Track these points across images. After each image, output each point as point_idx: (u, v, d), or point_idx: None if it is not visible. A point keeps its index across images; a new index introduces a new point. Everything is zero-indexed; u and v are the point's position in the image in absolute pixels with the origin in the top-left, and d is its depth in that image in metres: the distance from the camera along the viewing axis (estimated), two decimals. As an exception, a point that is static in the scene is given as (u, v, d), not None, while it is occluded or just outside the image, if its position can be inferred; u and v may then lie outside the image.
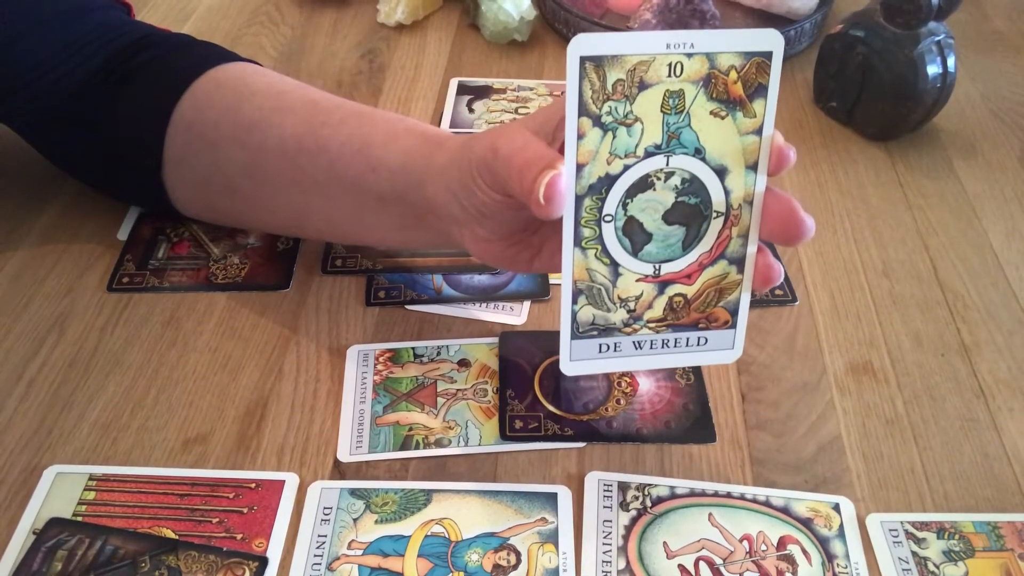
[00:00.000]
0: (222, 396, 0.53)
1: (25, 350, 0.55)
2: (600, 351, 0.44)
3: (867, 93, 0.72)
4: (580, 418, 0.51)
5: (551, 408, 0.52)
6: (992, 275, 0.62)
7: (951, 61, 0.69)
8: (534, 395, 0.52)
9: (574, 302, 0.43)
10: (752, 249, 0.43)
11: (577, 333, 0.44)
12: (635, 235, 0.42)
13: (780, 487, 0.49)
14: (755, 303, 0.59)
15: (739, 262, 0.43)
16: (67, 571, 0.43)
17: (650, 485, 0.48)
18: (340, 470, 0.49)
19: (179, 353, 0.55)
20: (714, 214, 0.42)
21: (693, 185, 0.41)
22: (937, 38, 0.69)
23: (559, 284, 0.59)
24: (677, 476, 0.49)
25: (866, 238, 0.65)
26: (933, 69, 0.69)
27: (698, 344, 0.45)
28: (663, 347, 0.45)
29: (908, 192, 0.69)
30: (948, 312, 0.59)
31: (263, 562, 0.44)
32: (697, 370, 0.54)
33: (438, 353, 0.55)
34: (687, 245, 0.43)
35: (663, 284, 0.43)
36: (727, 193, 0.42)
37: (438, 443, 0.50)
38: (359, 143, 0.51)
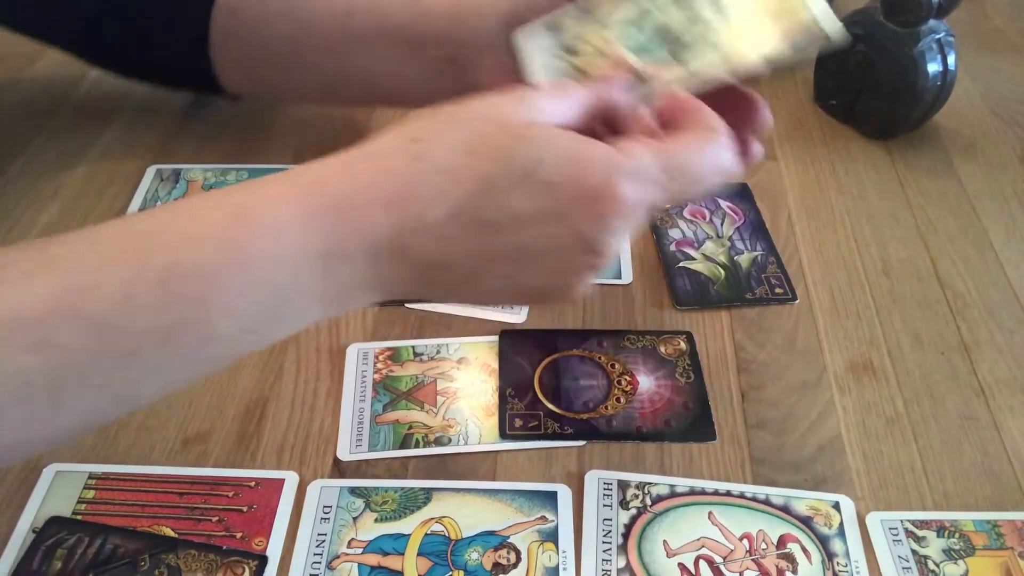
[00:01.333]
0: (222, 395, 0.53)
1: (25, 349, 0.55)
2: None
3: (867, 91, 0.72)
4: (580, 416, 0.51)
5: (551, 406, 0.52)
6: (992, 273, 0.62)
7: (951, 59, 0.69)
8: (534, 393, 0.52)
9: None
10: None
11: None
12: None
13: (780, 486, 0.49)
14: (755, 302, 0.59)
15: None
16: (67, 570, 0.43)
17: (650, 484, 0.48)
18: (340, 469, 0.49)
19: (179, 352, 0.55)
20: None
21: None
22: (937, 36, 0.69)
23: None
24: (677, 475, 0.49)
25: (866, 237, 0.65)
26: (933, 67, 0.69)
27: None
28: None
29: (908, 190, 0.69)
30: (948, 310, 0.59)
31: (263, 561, 0.44)
32: (697, 369, 0.54)
33: (438, 351, 0.55)
34: None
35: None
36: None
37: (438, 441, 0.50)
38: None
